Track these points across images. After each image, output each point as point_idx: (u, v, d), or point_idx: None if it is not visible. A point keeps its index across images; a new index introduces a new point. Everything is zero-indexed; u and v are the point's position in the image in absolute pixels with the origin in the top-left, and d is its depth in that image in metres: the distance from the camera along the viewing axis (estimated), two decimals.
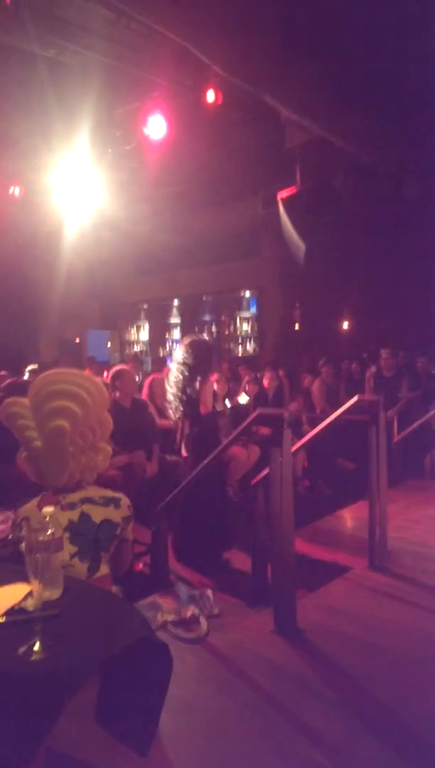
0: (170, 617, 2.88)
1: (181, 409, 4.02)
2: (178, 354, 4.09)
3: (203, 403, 3.93)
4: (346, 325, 9.94)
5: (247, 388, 6.09)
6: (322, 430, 3.40)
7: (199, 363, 3.93)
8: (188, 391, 3.95)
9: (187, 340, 4.04)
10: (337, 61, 5.36)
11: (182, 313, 13.27)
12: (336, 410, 3.56)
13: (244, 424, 2.99)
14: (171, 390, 4.05)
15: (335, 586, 3.35)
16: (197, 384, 3.93)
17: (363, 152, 6.52)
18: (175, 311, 13.48)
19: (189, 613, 2.92)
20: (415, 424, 5.64)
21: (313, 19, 4.92)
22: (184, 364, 3.97)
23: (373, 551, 3.57)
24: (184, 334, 13.28)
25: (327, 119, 5.91)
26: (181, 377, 3.97)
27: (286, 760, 1.97)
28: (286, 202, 6.21)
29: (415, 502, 4.90)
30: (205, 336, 4.16)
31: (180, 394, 4.00)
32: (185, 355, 3.97)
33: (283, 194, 6.28)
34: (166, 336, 13.59)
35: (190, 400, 3.94)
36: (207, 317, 12.80)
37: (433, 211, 8.30)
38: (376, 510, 3.55)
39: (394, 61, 5.48)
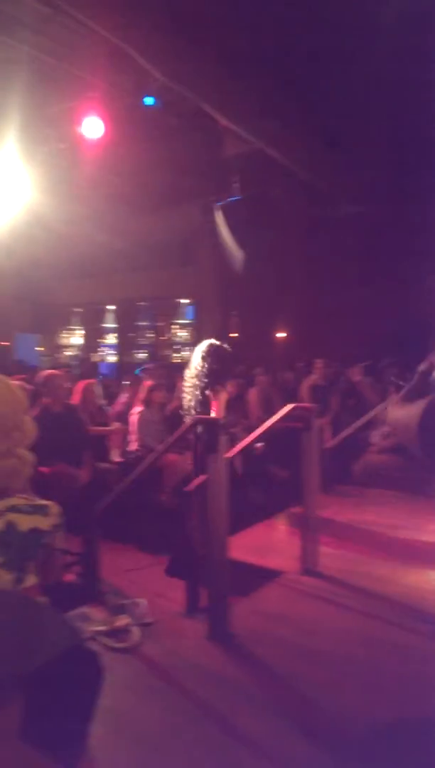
0: (101, 627, 2.79)
1: (197, 410, 3.90)
2: (198, 357, 3.99)
3: (217, 409, 3.87)
4: (282, 334, 10.15)
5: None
6: (257, 438, 3.44)
7: (222, 370, 3.90)
8: (206, 394, 3.86)
9: (209, 346, 3.97)
10: (278, 78, 5.49)
11: (117, 318, 13.09)
12: (271, 418, 3.61)
13: (181, 430, 2.97)
14: (188, 394, 3.95)
15: (268, 590, 3.38)
16: (216, 389, 3.85)
17: (300, 169, 6.71)
18: (110, 316, 13.28)
19: (121, 623, 2.85)
20: (346, 432, 5.81)
21: (256, 34, 5.02)
22: (206, 368, 3.89)
23: (305, 556, 3.63)
24: (118, 339, 13.12)
25: (265, 133, 6.03)
26: (199, 383, 3.89)
27: (220, 765, 1.95)
28: (225, 210, 6.27)
29: (344, 508, 5.04)
30: (221, 344, 4.13)
31: (200, 396, 3.90)
32: (209, 359, 3.91)
33: (221, 202, 6.34)
34: (100, 341, 13.35)
35: (204, 403, 3.81)
36: (143, 323, 12.70)
37: (370, 222, 8.67)
38: (309, 515, 3.62)
39: (337, 82, 5.67)
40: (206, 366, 3.84)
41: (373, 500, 5.39)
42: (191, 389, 3.86)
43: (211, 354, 3.87)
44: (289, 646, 2.75)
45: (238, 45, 5.20)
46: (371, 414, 5.90)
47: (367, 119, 6.55)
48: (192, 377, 3.90)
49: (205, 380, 3.83)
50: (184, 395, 3.93)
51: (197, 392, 3.85)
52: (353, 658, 2.66)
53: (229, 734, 2.11)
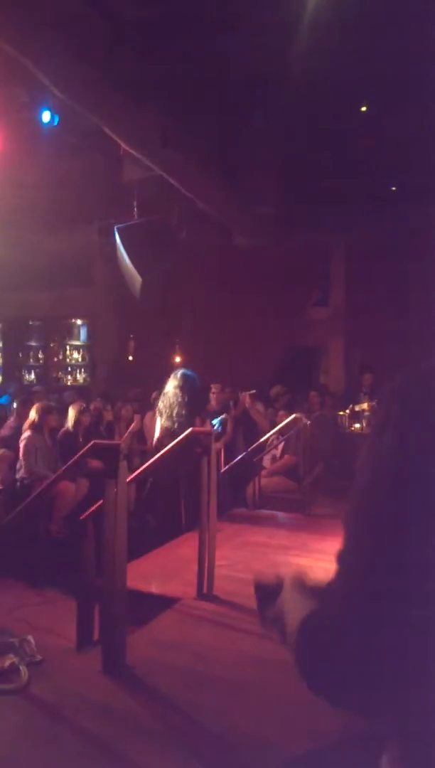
0: None
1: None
2: (171, 387, 4.08)
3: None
4: (178, 358, 10.25)
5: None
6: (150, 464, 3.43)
7: (195, 400, 4.12)
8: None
9: (183, 377, 4.15)
10: (179, 110, 5.65)
11: (5, 338, 12.44)
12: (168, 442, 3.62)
13: (78, 455, 2.88)
14: (165, 421, 4.00)
15: (164, 618, 3.33)
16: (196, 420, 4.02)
17: (197, 198, 6.91)
18: None
19: (7, 663, 2.67)
20: (239, 457, 5.96)
21: (157, 61, 5.14)
22: (181, 398, 4.07)
23: (200, 580, 3.64)
24: (4, 359, 12.45)
25: (164, 162, 6.16)
26: (176, 413, 4.01)
27: None
28: (123, 233, 6.27)
29: (239, 531, 5.14)
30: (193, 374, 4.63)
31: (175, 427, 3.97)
32: (180, 392, 4.12)
33: (120, 226, 6.34)
34: None
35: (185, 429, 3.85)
36: (33, 343, 12.18)
37: (261, 254, 9.09)
38: (206, 538, 3.64)
39: (241, 116, 5.92)
40: (182, 396, 4.08)
41: (265, 522, 5.55)
42: (168, 419, 4.04)
43: (185, 384, 4.13)
44: (185, 674, 2.73)
45: (142, 73, 5.29)
46: (262, 439, 6.11)
47: (261, 154, 6.93)
48: (168, 406, 4.10)
49: (182, 410, 4.05)
50: (162, 421, 4.09)
51: (174, 421, 4.04)
52: (244, 681, 2.69)
53: None
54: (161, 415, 4.57)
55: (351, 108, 6.26)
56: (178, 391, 4.44)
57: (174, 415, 4.43)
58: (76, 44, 4.64)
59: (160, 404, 4.56)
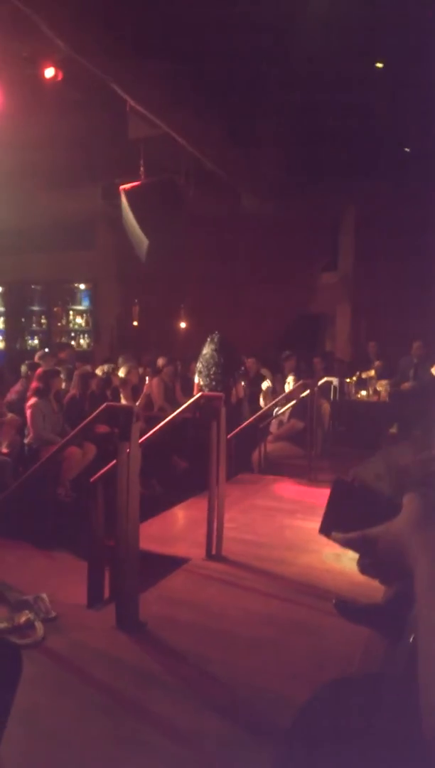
0: (2, 625, 2.65)
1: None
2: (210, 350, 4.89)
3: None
4: (183, 324, 10.17)
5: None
6: (160, 428, 3.43)
7: (230, 362, 4.53)
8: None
9: (221, 339, 4.56)
10: (188, 65, 5.45)
11: (6, 302, 12.33)
12: (173, 408, 3.63)
13: (90, 418, 2.88)
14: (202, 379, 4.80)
15: (175, 577, 3.40)
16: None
17: (206, 159, 6.74)
18: None
19: (23, 619, 2.72)
20: (246, 422, 5.97)
21: (169, 19, 4.93)
22: (216, 360, 4.48)
23: (209, 541, 3.69)
24: (7, 323, 12.38)
25: (173, 120, 5.97)
26: (213, 372, 4.40)
27: (134, 752, 1.94)
28: (130, 194, 6.12)
29: (245, 494, 5.19)
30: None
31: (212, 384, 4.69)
32: (216, 354, 4.58)
33: (126, 186, 6.17)
34: None
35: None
36: (36, 308, 12.08)
37: (269, 220, 8.93)
38: (214, 502, 3.68)
39: (249, 78, 5.73)
40: (218, 357, 4.56)
41: (271, 487, 5.61)
42: (206, 377, 4.46)
43: (222, 347, 4.60)
44: (197, 629, 2.80)
45: (151, 28, 5.09)
46: (269, 405, 6.12)
47: (275, 117, 6.75)
48: (205, 366, 4.55)
49: (219, 369, 4.50)
50: (199, 380, 4.52)
51: (211, 380, 4.53)
52: (253, 637, 2.76)
53: (142, 720, 2.10)
54: (200, 374, 5.08)
55: (358, 69, 6.05)
56: (214, 353, 5.01)
57: (211, 374, 4.96)
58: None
59: (199, 365, 5.13)
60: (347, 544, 0.81)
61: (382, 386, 7.57)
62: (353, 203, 9.24)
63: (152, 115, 5.72)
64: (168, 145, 6.45)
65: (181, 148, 6.43)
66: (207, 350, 5.25)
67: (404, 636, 0.86)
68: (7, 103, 6.27)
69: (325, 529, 0.85)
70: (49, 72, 6.42)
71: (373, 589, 3.37)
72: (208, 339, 5.36)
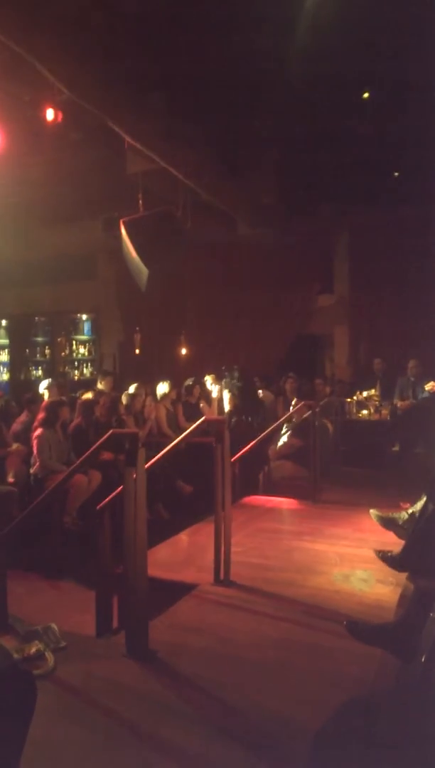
0: (13, 656, 2.65)
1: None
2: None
3: None
4: (184, 350, 10.31)
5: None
6: (166, 453, 3.48)
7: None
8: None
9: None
10: (182, 102, 5.65)
11: (11, 334, 12.49)
12: (176, 433, 3.68)
13: (96, 445, 2.94)
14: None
15: (183, 604, 3.40)
16: None
17: (202, 189, 6.93)
18: (2, 332, 12.63)
19: (33, 650, 2.73)
20: (251, 444, 5.99)
21: (165, 53, 5.14)
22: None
23: (217, 566, 3.70)
24: (11, 355, 12.51)
25: (168, 154, 6.17)
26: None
27: None
28: (129, 226, 6.29)
29: (252, 517, 5.20)
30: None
31: None
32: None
33: (125, 218, 6.35)
34: None
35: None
36: (39, 339, 12.24)
37: (268, 244, 9.14)
38: (221, 526, 3.70)
39: (239, 108, 5.92)
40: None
41: (276, 509, 5.61)
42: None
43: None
44: (207, 655, 2.80)
45: (146, 66, 5.29)
46: (273, 426, 6.16)
47: (264, 146, 6.96)
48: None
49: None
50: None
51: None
52: (265, 662, 2.76)
53: (156, 748, 2.11)
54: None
55: (352, 98, 6.26)
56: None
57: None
58: (80, 42, 4.64)
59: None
60: None
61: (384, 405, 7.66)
62: (347, 230, 9.55)
63: (148, 150, 5.92)
64: (165, 178, 6.65)
65: (178, 179, 6.63)
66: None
67: (417, 656, 0.90)
68: (10, 144, 6.48)
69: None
70: (50, 114, 6.65)
71: (384, 609, 3.39)
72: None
